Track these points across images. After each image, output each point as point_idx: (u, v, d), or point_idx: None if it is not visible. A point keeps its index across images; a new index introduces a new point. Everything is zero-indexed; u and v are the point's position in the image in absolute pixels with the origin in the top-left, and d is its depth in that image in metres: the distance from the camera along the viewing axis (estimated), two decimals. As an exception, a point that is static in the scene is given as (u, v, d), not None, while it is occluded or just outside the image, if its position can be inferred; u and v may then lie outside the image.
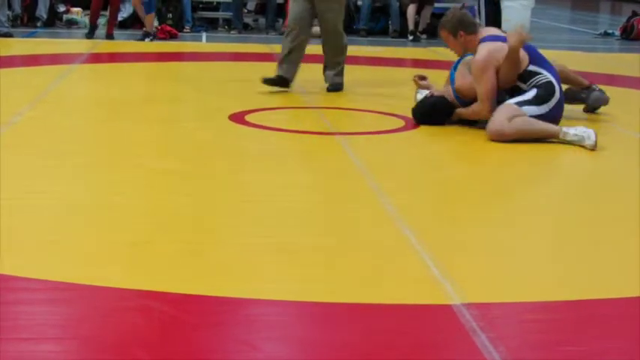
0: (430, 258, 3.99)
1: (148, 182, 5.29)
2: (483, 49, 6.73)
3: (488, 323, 3.26)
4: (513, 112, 6.52)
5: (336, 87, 8.60)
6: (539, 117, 6.56)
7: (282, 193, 5.11)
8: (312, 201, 5.00)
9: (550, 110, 6.61)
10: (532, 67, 6.70)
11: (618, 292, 3.72)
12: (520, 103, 6.58)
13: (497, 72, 6.66)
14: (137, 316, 3.27)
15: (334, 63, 8.59)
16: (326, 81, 8.66)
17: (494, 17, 14.70)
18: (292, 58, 8.28)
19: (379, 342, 3.15)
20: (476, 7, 15.55)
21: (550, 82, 6.66)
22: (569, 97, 7.27)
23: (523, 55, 6.71)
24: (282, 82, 8.26)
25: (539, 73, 6.69)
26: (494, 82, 6.68)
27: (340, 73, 8.65)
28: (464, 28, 6.82)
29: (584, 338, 3.27)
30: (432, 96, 7.12)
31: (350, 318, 3.38)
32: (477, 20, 15.60)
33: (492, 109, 6.60)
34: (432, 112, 7.04)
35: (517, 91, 6.71)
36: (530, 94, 6.63)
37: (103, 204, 4.76)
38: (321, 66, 8.64)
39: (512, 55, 6.62)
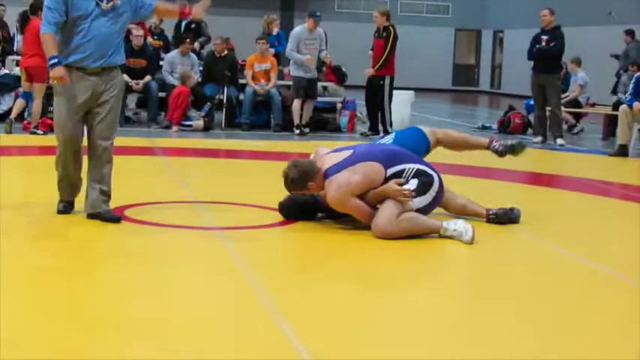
0: (309, 355, 3.93)
1: (25, 279, 5.16)
2: (332, 186, 6.54)
3: None
4: (399, 209, 6.47)
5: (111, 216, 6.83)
6: (426, 206, 6.59)
7: (159, 290, 5.02)
8: (189, 299, 4.90)
9: (435, 196, 6.65)
10: (392, 170, 6.59)
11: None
12: None
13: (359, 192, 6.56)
14: None
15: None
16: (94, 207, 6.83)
17: (374, 112, 14.96)
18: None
19: None
20: (358, 101, 15.81)
21: (419, 169, 6.63)
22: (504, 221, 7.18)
23: (376, 168, 6.57)
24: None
25: (403, 169, 6.61)
26: (360, 204, 6.56)
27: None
28: (310, 178, 6.61)
29: None
30: (303, 194, 7.06)
31: None
32: (360, 114, 15.90)
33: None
34: (301, 210, 7.05)
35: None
36: (412, 183, 6.56)
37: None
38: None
39: (379, 196, 6.55)
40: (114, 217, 6.78)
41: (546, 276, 5.77)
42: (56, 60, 6.52)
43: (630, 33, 19.27)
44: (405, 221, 6.45)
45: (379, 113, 14.95)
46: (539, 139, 14.95)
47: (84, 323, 4.40)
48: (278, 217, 7.14)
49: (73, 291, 4.96)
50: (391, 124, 14.77)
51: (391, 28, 14.84)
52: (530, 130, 16.23)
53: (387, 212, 6.47)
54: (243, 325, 4.47)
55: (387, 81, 14.87)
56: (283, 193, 7.14)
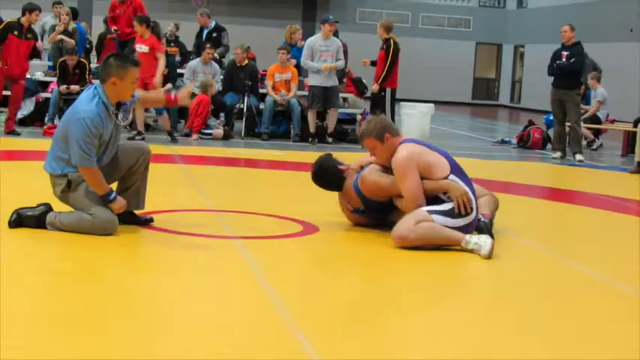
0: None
1: (41, 283, 5.19)
2: (404, 149, 6.66)
3: None
4: (421, 218, 6.48)
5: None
6: (451, 228, 6.55)
7: (177, 298, 5.04)
8: (207, 307, 4.93)
9: (466, 224, 6.61)
10: (452, 177, 6.63)
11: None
12: (434, 212, 6.54)
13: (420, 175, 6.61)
14: None
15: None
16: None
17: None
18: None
19: None
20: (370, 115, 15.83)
21: (471, 199, 6.63)
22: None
23: (444, 164, 6.68)
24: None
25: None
26: (418, 182, 6.58)
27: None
28: (390, 130, 6.76)
29: None
30: (341, 163, 7.16)
31: None
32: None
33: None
34: (327, 176, 7.17)
35: (436, 202, 6.62)
36: (448, 205, 6.57)
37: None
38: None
39: (439, 188, 6.60)
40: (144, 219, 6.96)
41: (560, 292, 5.76)
42: (114, 194, 6.53)
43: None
44: (423, 228, 6.45)
45: None
46: (558, 154, 14.93)
47: (100, 328, 4.43)
48: (297, 227, 7.16)
49: (90, 296, 4.99)
50: None
51: (391, 40, 14.87)
52: (549, 146, 16.22)
53: (408, 218, 6.50)
54: (259, 333, 4.48)
55: (388, 93, 14.91)
56: (302, 203, 7.16)
